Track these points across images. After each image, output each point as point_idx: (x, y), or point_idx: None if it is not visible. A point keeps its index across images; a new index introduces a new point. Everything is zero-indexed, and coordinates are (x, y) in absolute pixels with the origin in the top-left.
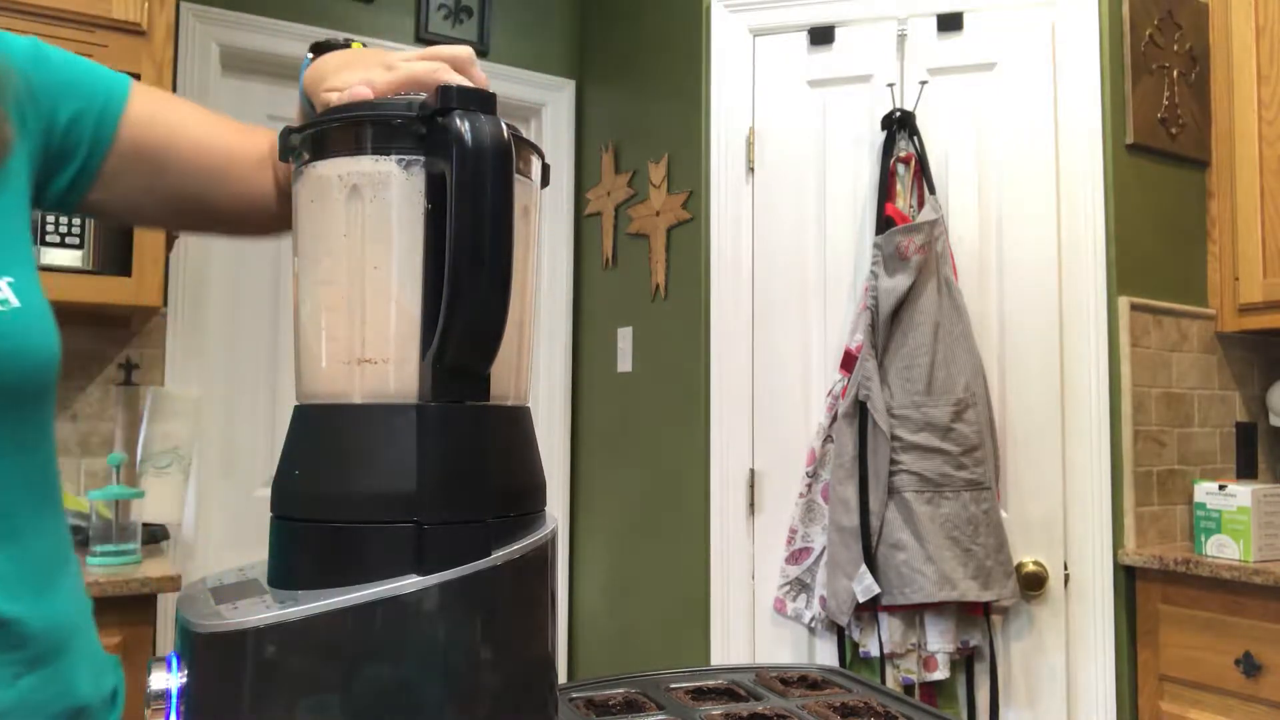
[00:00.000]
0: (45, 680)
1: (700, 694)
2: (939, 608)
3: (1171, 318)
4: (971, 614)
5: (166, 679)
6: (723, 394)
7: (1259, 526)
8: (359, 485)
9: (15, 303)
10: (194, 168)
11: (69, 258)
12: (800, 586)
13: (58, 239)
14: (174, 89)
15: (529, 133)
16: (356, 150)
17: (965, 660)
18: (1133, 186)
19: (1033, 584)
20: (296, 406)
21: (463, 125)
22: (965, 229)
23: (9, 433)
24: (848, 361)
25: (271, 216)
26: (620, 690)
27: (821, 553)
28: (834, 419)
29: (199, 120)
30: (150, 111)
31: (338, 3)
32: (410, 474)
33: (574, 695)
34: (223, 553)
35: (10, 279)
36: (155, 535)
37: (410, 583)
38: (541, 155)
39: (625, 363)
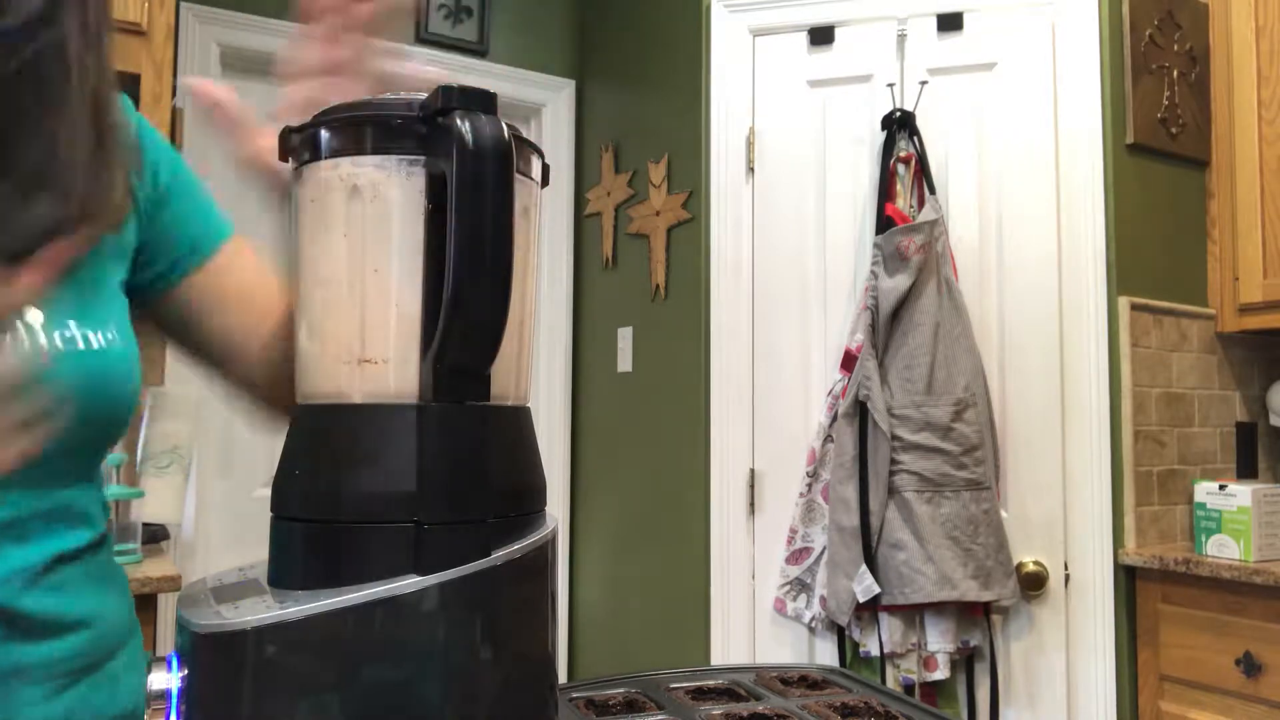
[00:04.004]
0: (93, 687)
1: (700, 694)
2: (939, 608)
3: (1171, 318)
4: (972, 614)
5: (166, 679)
6: (723, 394)
7: (1259, 526)
8: (359, 485)
9: (119, 343)
10: (237, 325)
11: None
12: (800, 586)
13: None
14: (174, 89)
15: (529, 133)
16: (357, 150)
17: (965, 660)
18: (1133, 186)
19: (1033, 584)
20: (296, 406)
21: (463, 125)
22: (965, 229)
23: (95, 461)
24: (848, 361)
25: (265, 389)
26: (620, 690)
27: (821, 553)
28: (834, 419)
29: (259, 282)
30: (233, 266)
31: None
32: (410, 474)
33: (574, 695)
34: (223, 553)
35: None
36: (155, 535)
37: (410, 583)
38: (542, 155)
39: (625, 363)
